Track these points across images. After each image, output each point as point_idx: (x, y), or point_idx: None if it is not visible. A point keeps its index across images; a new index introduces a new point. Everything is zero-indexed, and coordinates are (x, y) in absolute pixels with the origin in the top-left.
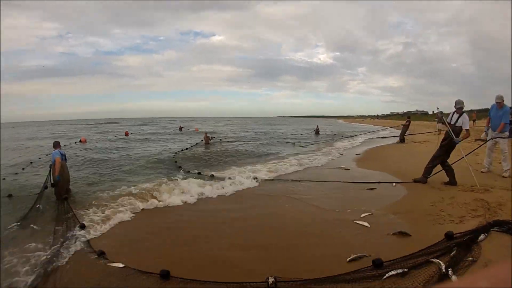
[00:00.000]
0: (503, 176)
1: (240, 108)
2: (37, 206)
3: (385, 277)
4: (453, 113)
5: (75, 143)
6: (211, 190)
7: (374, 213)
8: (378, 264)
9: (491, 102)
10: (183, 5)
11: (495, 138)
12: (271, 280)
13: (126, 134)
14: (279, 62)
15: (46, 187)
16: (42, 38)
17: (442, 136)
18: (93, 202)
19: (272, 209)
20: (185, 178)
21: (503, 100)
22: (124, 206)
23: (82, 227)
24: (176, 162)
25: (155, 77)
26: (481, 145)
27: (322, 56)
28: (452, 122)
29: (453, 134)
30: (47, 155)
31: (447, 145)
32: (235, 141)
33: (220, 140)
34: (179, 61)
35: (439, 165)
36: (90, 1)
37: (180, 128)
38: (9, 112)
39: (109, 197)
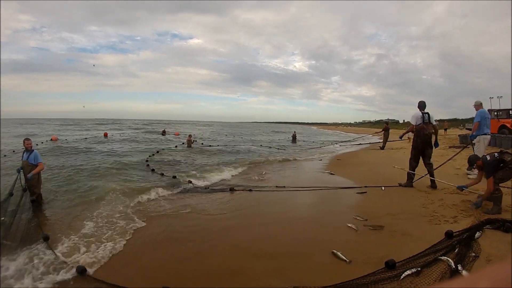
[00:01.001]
0: (469, 178)
1: (215, 112)
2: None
3: (402, 277)
4: (424, 113)
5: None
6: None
7: (368, 216)
8: (391, 265)
9: (460, 112)
10: (160, 6)
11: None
12: None
13: (105, 135)
14: (255, 68)
15: (11, 194)
16: (16, 30)
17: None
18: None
19: (267, 215)
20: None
21: (480, 104)
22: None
23: (46, 238)
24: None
25: (131, 77)
26: (458, 153)
27: (298, 64)
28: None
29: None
30: (13, 151)
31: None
32: (217, 145)
33: (202, 144)
34: (155, 62)
35: (425, 169)
36: None
37: (163, 132)
38: None
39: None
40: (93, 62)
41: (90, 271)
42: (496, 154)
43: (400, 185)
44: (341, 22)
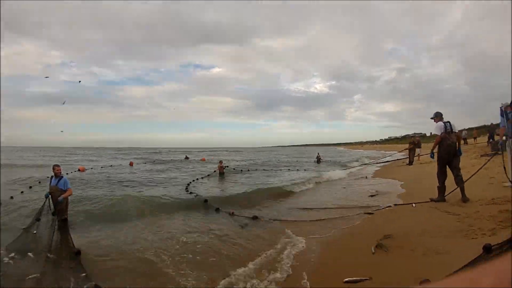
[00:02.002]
0: (503, 186)
1: (241, 138)
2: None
3: None
4: (445, 123)
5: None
6: None
7: (399, 235)
8: (488, 248)
9: (489, 119)
10: (183, 39)
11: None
12: None
13: (131, 164)
14: (277, 93)
15: (39, 219)
16: (47, 65)
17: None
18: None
19: None
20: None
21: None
22: None
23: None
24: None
25: (157, 108)
26: (487, 162)
27: (319, 86)
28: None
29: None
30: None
31: (440, 159)
32: (250, 170)
33: (234, 169)
34: (180, 92)
35: (454, 182)
36: (95, 33)
37: (186, 157)
38: (16, 137)
39: None
40: (121, 94)
41: None
42: None
43: (431, 200)
44: (359, 40)
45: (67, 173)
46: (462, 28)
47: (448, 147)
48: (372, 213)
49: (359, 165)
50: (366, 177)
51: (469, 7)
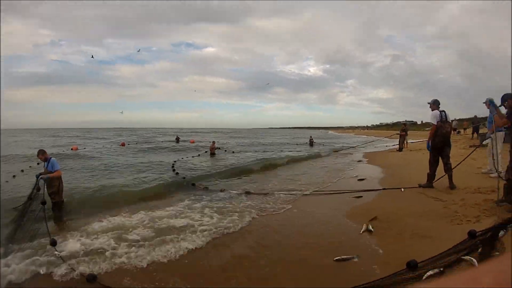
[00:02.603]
0: (490, 177)
1: (232, 119)
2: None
3: (424, 277)
4: (441, 112)
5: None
6: None
7: (388, 218)
8: (413, 265)
9: (479, 112)
10: (176, 17)
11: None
12: None
13: (122, 145)
14: (271, 75)
15: (30, 198)
16: (36, 45)
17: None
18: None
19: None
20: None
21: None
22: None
23: (53, 243)
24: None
25: (148, 87)
26: (472, 151)
27: (312, 69)
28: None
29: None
30: (38, 164)
31: (435, 147)
32: (242, 151)
33: (225, 150)
34: (172, 71)
35: (444, 169)
36: (86, 10)
37: (177, 139)
38: (4, 118)
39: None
40: (112, 74)
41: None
42: None
43: (420, 186)
44: (355, 25)
45: (63, 151)
46: (459, 20)
47: (443, 136)
48: (361, 196)
49: (350, 149)
50: (358, 161)
51: (468, 1)
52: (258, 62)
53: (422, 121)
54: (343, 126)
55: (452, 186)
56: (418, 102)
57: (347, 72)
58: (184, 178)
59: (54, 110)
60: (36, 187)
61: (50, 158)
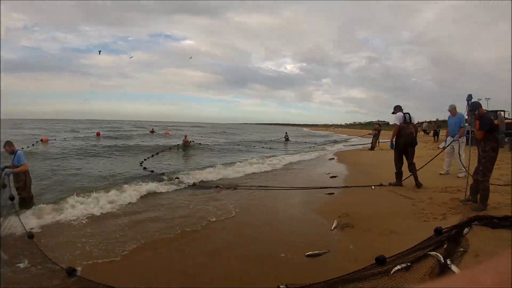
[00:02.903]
0: (458, 177)
1: (209, 114)
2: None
3: (392, 272)
4: (405, 114)
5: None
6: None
7: (358, 215)
8: (381, 260)
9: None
10: (155, 7)
11: (453, 141)
12: (282, 287)
13: (98, 134)
14: (249, 70)
15: None
16: (8, 29)
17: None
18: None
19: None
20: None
21: (455, 108)
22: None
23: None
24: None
25: (125, 78)
26: (440, 152)
27: (289, 66)
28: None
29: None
30: None
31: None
32: (215, 145)
33: (200, 144)
34: (149, 63)
35: (408, 169)
36: None
37: (152, 131)
38: None
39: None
40: (86, 63)
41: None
42: None
43: (390, 184)
44: (334, 26)
45: (32, 144)
46: (434, 28)
47: (406, 136)
48: (333, 193)
49: (323, 147)
50: (330, 159)
51: (444, 10)
52: (236, 57)
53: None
54: (318, 124)
55: (418, 185)
56: (391, 103)
57: (324, 71)
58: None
59: (21, 99)
60: (2, 184)
61: (17, 151)
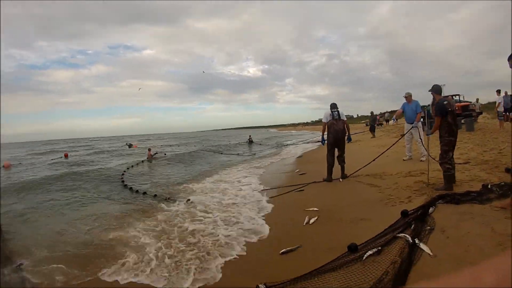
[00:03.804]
0: (421, 160)
1: (174, 123)
2: None
3: (364, 257)
4: (333, 111)
5: None
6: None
7: (328, 207)
8: (353, 248)
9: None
10: (110, 17)
11: (412, 128)
12: (262, 286)
13: (66, 156)
14: (211, 76)
15: None
16: None
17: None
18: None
19: None
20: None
21: (411, 95)
22: None
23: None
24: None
25: (85, 93)
26: (399, 139)
27: (252, 69)
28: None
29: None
30: None
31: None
32: (181, 154)
33: (165, 154)
34: (109, 76)
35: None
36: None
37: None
38: None
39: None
40: (43, 80)
41: None
42: None
43: (324, 180)
44: (292, 26)
45: None
46: (388, 22)
47: (335, 132)
48: (303, 190)
49: (290, 145)
50: (299, 157)
51: (396, 5)
52: (198, 63)
53: (358, 115)
54: (285, 123)
55: (343, 176)
56: (353, 97)
57: (286, 71)
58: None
59: None
60: None
61: None
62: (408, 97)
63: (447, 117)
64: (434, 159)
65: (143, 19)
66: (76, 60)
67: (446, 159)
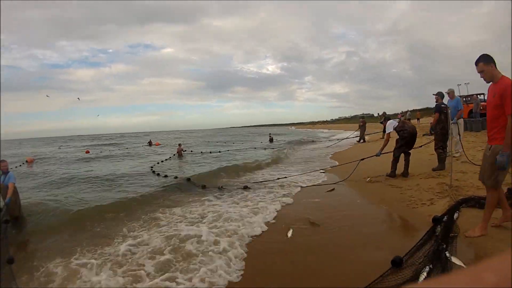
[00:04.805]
0: (454, 156)
1: (193, 120)
2: None
3: (420, 281)
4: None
5: (20, 165)
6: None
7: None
8: (398, 262)
9: (430, 102)
10: (129, 18)
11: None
12: None
13: (87, 152)
14: (230, 74)
15: None
16: None
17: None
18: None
19: None
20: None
21: (453, 91)
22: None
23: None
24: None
25: (106, 91)
26: (431, 141)
27: (271, 67)
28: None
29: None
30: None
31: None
32: (210, 152)
33: (192, 151)
34: (129, 74)
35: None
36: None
37: (150, 143)
38: None
39: None
40: (66, 78)
41: None
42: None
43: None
44: (309, 23)
45: (15, 166)
46: (407, 17)
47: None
48: (333, 189)
49: (316, 144)
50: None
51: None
52: (216, 61)
53: (378, 114)
54: (304, 121)
55: (405, 174)
56: (373, 95)
57: (304, 68)
58: (176, 177)
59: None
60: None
61: (8, 172)
62: (451, 93)
63: (441, 115)
64: (469, 160)
65: (161, 19)
66: (97, 59)
67: (439, 147)
